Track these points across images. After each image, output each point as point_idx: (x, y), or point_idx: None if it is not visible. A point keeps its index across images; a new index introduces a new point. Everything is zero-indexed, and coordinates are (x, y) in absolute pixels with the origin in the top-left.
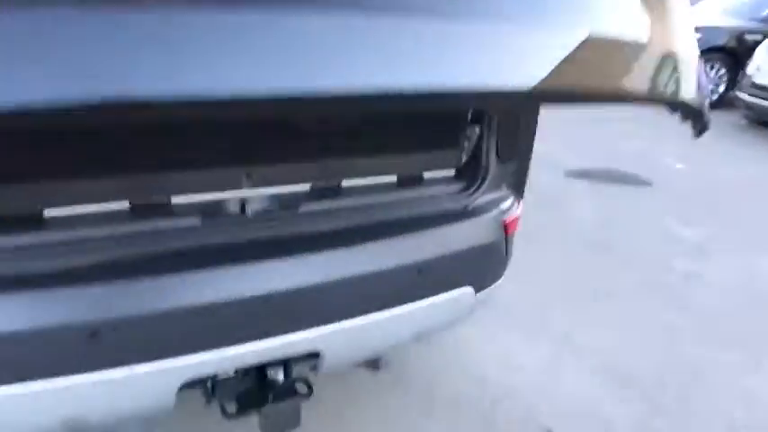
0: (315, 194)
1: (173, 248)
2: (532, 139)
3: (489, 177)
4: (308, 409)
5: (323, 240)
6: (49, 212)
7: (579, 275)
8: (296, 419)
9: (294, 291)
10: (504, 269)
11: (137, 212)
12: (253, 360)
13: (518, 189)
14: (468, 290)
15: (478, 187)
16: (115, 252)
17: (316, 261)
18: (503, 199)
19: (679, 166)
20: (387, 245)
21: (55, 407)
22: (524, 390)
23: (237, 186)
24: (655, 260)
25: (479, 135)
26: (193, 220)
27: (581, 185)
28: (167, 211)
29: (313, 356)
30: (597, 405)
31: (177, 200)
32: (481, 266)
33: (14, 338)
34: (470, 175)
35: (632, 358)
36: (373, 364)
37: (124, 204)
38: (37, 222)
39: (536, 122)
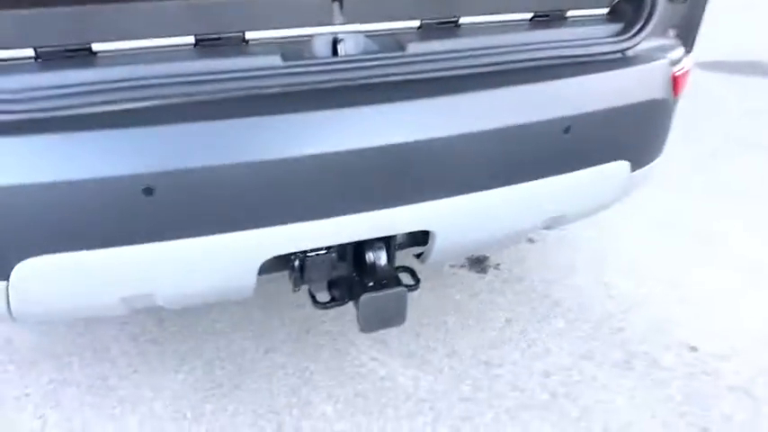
0: (426, 33)
1: (244, 91)
2: None
3: (653, 19)
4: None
5: (436, 89)
6: (99, 46)
7: (716, 175)
8: (401, 315)
9: (400, 151)
10: (665, 141)
11: (203, 49)
12: (349, 236)
13: (689, 38)
14: (624, 165)
15: (640, 30)
16: (172, 92)
17: (428, 114)
18: (670, 48)
19: None
20: (521, 94)
21: (111, 283)
22: (659, 301)
23: (328, 21)
24: None
25: None
26: (273, 60)
27: (714, 78)
28: (240, 48)
29: (422, 239)
30: (741, 319)
31: (253, 35)
32: (641, 134)
33: (54, 193)
34: (630, 14)
35: None
36: (479, 266)
37: (188, 39)
38: (84, 57)
39: None
